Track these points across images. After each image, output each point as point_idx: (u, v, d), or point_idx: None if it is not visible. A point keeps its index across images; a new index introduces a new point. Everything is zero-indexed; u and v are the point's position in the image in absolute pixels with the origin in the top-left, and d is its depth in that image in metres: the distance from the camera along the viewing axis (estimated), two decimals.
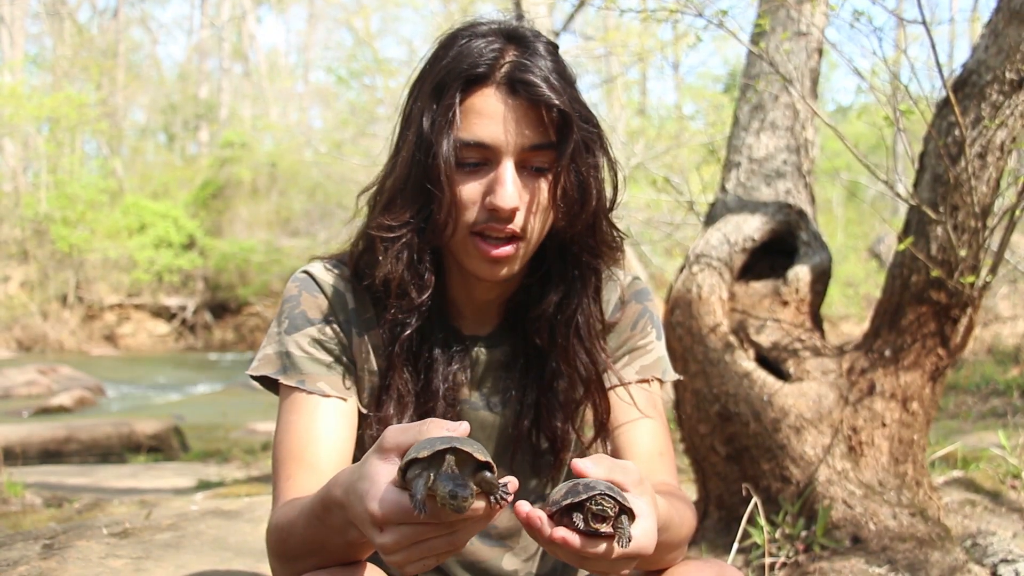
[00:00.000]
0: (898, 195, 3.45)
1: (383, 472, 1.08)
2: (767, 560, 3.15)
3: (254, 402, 14.79)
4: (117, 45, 35.66)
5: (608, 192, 1.56)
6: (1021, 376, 8.93)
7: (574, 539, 1.12)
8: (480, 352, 1.64)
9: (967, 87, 3.15)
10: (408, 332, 1.54)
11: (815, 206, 3.97)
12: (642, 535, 1.16)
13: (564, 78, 1.48)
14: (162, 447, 9.50)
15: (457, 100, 1.44)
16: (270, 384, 1.58)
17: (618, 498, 1.14)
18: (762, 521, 3.16)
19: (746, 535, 3.26)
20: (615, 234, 1.60)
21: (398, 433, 1.10)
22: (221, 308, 30.76)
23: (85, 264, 27.78)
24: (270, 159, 30.95)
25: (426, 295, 1.52)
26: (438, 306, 1.59)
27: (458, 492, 1.02)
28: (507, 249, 1.48)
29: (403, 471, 1.06)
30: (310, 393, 1.52)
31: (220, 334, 30.26)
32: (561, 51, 1.54)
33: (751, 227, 3.66)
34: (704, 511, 3.60)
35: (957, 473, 4.09)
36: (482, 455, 1.07)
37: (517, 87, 1.43)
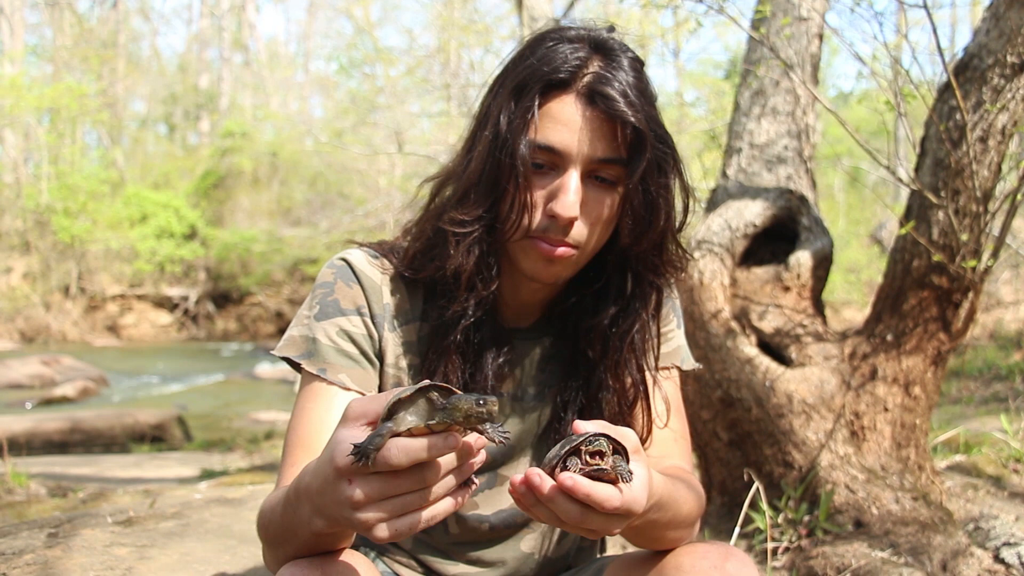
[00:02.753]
0: (899, 180, 3.45)
1: (347, 435, 1.07)
2: (769, 545, 3.15)
3: (257, 392, 14.84)
4: (117, 35, 35.64)
5: (679, 213, 1.56)
6: (1023, 361, 8.93)
7: (583, 482, 1.11)
8: (521, 345, 1.65)
9: (968, 71, 3.14)
10: (466, 323, 1.54)
11: (816, 191, 3.97)
12: (637, 481, 1.16)
13: (644, 95, 1.46)
14: (165, 437, 9.53)
15: (536, 103, 1.44)
16: (294, 364, 1.57)
17: (612, 435, 1.16)
18: (764, 506, 3.16)
19: (748, 520, 3.27)
20: (682, 254, 1.60)
21: (364, 403, 1.09)
22: (223, 298, 30.80)
23: (87, 255, 27.81)
24: (271, 149, 30.94)
25: (492, 288, 1.53)
26: (489, 297, 1.58)
27: (484, 398, 1.03)
28: (564, 250, 1.48)
29: (385, 419, 1.05)
30: (330, 383, 1.51)
31: (222, 324, 30.30)
32: (617, 35, 1.53)
33: (752, 213, 3.66)
34: (707, 497, 3.61)
35: (959, 457, 4.09)
36: (459, 391, 1.07)
37: (595, 98, 1.42)
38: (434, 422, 1.04)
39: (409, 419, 1.05)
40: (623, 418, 1.62)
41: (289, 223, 29.66)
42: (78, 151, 30.77)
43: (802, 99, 3.91)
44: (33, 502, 4.77)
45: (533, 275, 1.52)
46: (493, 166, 1.46)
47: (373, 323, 1.58)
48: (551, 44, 1.47)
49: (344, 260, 1.61)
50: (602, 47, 1.47)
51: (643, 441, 1.63)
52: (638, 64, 1.49)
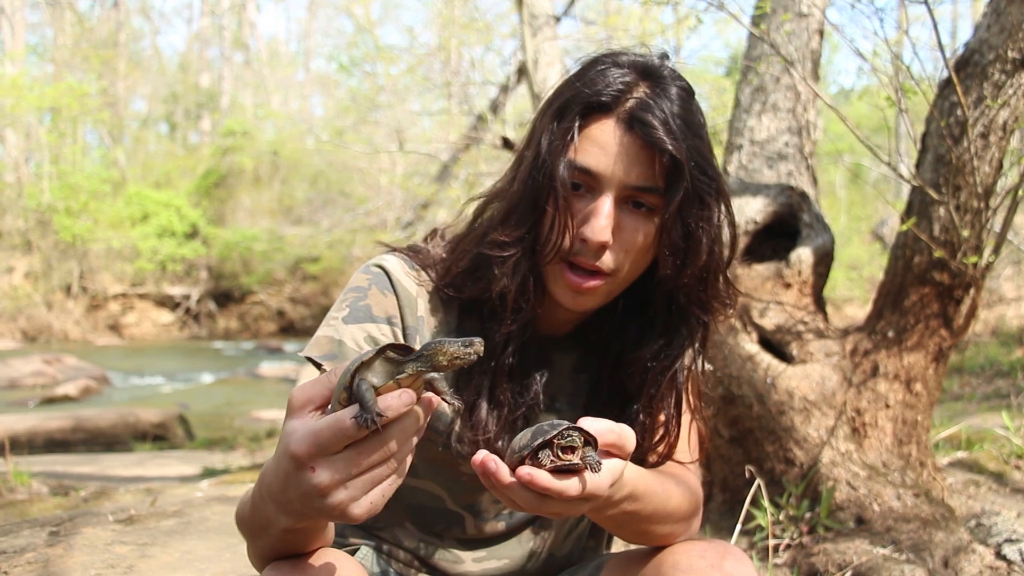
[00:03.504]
0: (901, 176, 3.44)
1: (298, 424, 1.05)
2: (771, 542, 3.15)
3: (259, 390, 14.84)
4: (118, 34, 35.63)
5: (725, 248, 1.54)
6: None
7: (541, 476, 1.12)
8: (555, 356, 1.64)
9: (969, 67, 3.13)
10: (515, 347, 1.53)
11: (817, 188, 3.96)
12: (603, 471, 1.17)
13: (690, 126, 1.45)
14: (167, 435, 9.54)
15: (576, 125, 1.43)
16: (317, 365, 1.53)
17: (584, 427, 1.16)
18: (766, 503, 3.16)
19: (750, 517, 3.26)
20: (730, 291, 1.58)
21: (306, 388, 1.08)
22: (225, 297, 30.79)
23: (88, 254, 27.80)
24: (272, 147, 30.94)
25: (536, 309, 1.52)
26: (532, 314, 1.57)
27: (470, 340, 1.04)
28: (593, 283, 1.47)
29: (348, 389, 1.03)
30: None
31: (224, 323, 30.30)
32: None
33: (753, 209, 3.66)
34: (708, 493, 3.60)
35: (961, 454, 4.09)
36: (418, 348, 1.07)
37: (635, 124, 1.41)
38: (403, 376, 1.04)
39: (375, 380, 1.03)
40: (642, 451, 1.60)
41: (290, 222, 29.66)
42: (79, 150, 30.77)
43: (803, 95, 3.90)
44: (35, 501, 4.78)
45: (561, 302, 1.51)
46: (533, 187, 1.46)
47: (404, 335, 1.56)
48: (601, 68, 1.47)
49: (381, 267, 1.59)
50: (651, 74, 1.47)
51: (661, 460, 1.61)
52: (687, 94, 1.48)
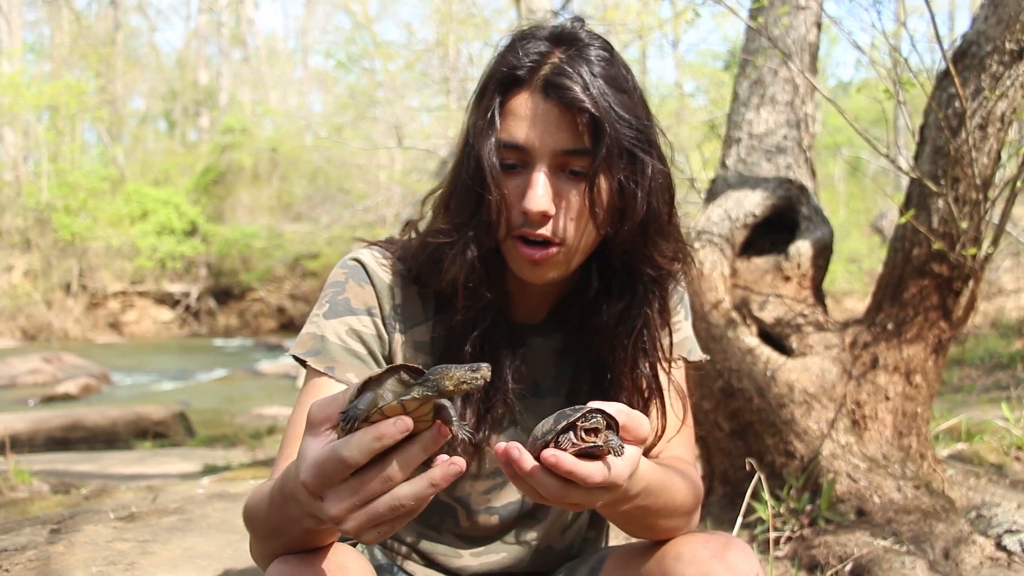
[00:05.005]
0: (899, 168, 3.44)
1: (311, 445, 1.06)
2: (772, 535, 3.16)
3: (259, 387, 14.86)
4: (115, 32, 35.59)
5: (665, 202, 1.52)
6: None
7: (566, 459, 1.10)
8: (533, 342, 1.64)
9: (967, 58, 3.13)
10: (477, 332, 1.53)
11: (816, 181, 3.96)
12: (625, 457, 1.16)
13: (611, 81, 1.44)
14: (168, 433, 9.55)
15: (496, 102, 1.44)
16: (302, 362, 1.55)
17: (608, 410, 1.15)
18: (766, 496, 3.16)
19: (751, 510, 3.27)
20: (678, 245, 1.58)
21: (325, 405, 1.08)
22: (224, 294, 30.83)
23: (88, 252, 27.82)
24: (270, 144, 30.94)
25: (491, 294, 1.52)
26: (496, 299, 1.57)
27: (477, 365, 1.02)
28: (544, 253, 1.46)
29: (352, 401, 1.03)
30: (338, 382, 1.50)
31: (224, 320, 30.33)
32: (587, 25, 1.52)
33: (752, 203, 3.65)
34: (709, 487, 3.61)
35: (961, 446, 4.09)
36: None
37: (550, 90, 1.41)
38: (407, 399, 1.02)
39: (387, 396, 1.03)
40: None
41: (289, 219, 29.67)
42: (78, 148, 30.77)
43: (801, 88, 3.90)
44: (36, 499, 4.78)
45: (523, 277, 1.51)
46: (466, 172, 1.46)
47: (384, 324, 1.57)
48: (516, 44, 1.47)
49: (357, 260, 1.60)
50: (565, 39, 1.47)
51: (658, 438, 1.63)
52: (606, 51, 1.47)
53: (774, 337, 3.51)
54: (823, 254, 3.62)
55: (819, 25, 3.97)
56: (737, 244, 3.63)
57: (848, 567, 2.92)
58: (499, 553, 1.68)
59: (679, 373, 1.71)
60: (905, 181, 3.46)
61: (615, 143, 1.42)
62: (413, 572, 1.68)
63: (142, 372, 17.69)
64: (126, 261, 28.39)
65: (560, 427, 1.13)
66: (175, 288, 29.73)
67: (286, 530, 1.23)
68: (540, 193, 1.42)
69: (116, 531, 3.03)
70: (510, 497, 1.65)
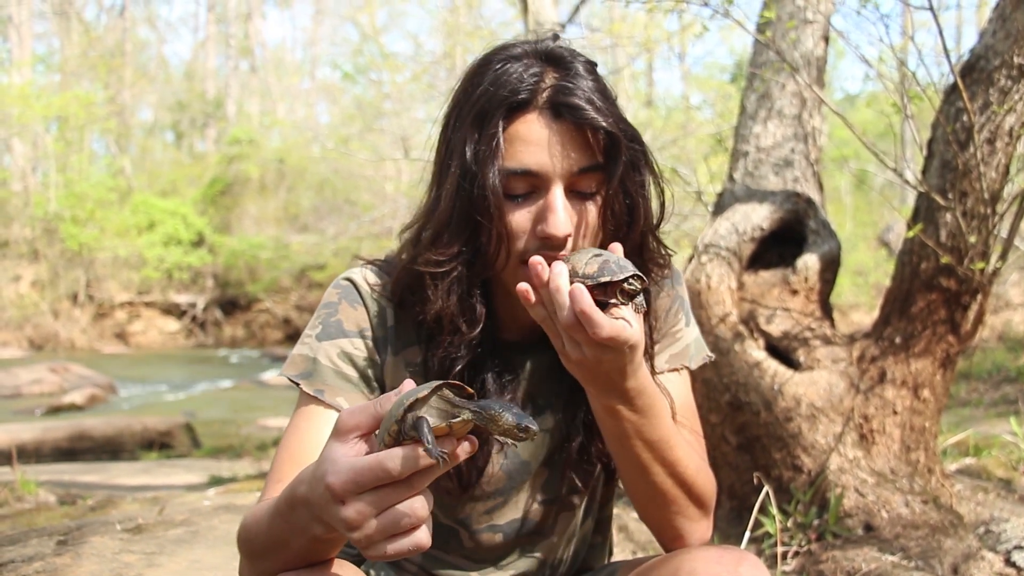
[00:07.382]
0: (907, 182, 3.44)
1: (340, 451, 1.07)
2: (779, 549, 3.14)
3: (265, 398, 14.86)
4: (124, 44, 35.77)
5: (656, 209, 1.53)
6: None
7: (586, 299, 1.20)
8: (524, 359, 1.62)
9: (975, 72, 3.13)
10: (469, 356, 1.51)
11: (823, 194, 3.96)
12: (636, 323, 1.25)
13: (607, 97, 1.44)
14: (174, 444, 9.56)
15: (500, 128, 1.40)
16: (295, 383, 1.55)
17: (644, 276, 1.26)
18: (774, 510, 3.15)
19: (758, 524, 3.26)
20: (663, 252, 1.57)
21: (355, 413, 1.09)
22: (231, 305, 30.86)
23: (95, 262, 27.89)
24: (278, 155, 31.03)
25: (478, 329, 1.50)
26: (486, 324, 1.54)
27: (527, 425, 1.05)
28: None
29: (400, 423, 1.04)
30: (328, 406, 1.50)
31: (230, 331, 30.36)
32: (563, 41, 1.51)
33: (759, 216, 3.65)
34: (716, 501, 3.59)
35: (969, 460, 4.08)
36: (470, 388, 1.09)
37: (561, 110, 1.39)
38: (456, 420, 1.05)
39: (430, 419, 1.04)
40: None
41: (296, 230, 29.73)
42: (86, 159, 30.89)
43: (808, 102, 3.90)
44: (42, 510, 4.78)
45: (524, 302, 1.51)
46: (464, 200, 1.42)
47: (376, 346, 1.56)
48: (499, 66, 1.43)
49: (349, 280, 1.59)
50: (553, 58, 1.45)
51: None
52: (592, 67, 1.47)
53: (781, 351, 3.50)
54: (831, 268, 3.62)
55: (826, 39, 3.98)
56: (744, 257, 3.63)
57: None
58: (507, 571, 1.68)
59: (683, 384, 1.69)
60: (912, 194, 3.46)
61: (628, 158, 1.42)
62: None
63: (148, 382, 17.71)
64: (133, 271, 28.45)
65: (604, 279, 1.23)
66: (181, 299, 29.78)
67: (289, 542, 1.22)
68: (563, 217, 1.39)
69: (123, 543, 3.03)
70: (512, 515, 1.64)
